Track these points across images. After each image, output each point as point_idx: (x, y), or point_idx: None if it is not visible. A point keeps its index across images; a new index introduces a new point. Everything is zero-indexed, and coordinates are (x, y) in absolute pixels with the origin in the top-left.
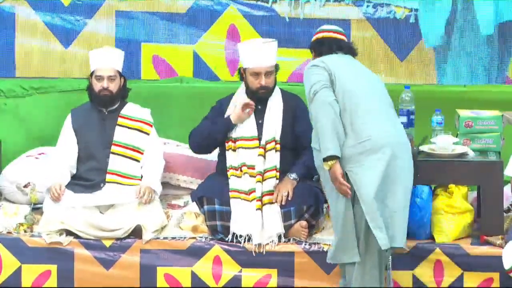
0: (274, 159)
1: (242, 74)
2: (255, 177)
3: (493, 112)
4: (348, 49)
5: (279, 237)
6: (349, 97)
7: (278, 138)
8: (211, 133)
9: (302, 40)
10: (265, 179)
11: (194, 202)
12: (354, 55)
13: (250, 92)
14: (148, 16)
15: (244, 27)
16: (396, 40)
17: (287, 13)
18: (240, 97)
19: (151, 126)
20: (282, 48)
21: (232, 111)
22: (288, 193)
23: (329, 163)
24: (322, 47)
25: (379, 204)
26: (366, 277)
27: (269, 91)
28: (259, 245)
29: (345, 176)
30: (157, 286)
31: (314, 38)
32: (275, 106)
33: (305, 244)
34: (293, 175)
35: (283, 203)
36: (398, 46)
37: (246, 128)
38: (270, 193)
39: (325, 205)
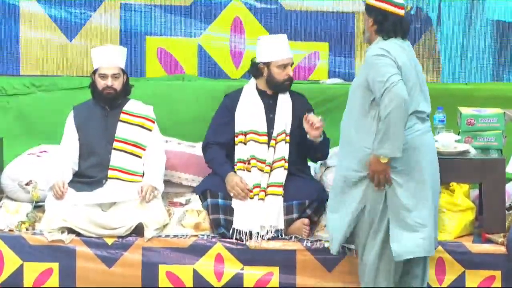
0: (283, 150)
1: (262, 68)
2: (262, 170)
3: (495, 110)
4: (408, 33)
5: (278, 232)
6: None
7: (288, 130)
8: (215, 169)
9: (307, 33)
10: (273, 169)
11: (196, 199)
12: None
13: (274, 85)
14: (153, 8)
15: (249, 20)
16: None
17: (292, 6)
18: (240, 185)
19: (154, 122)
20: None
21: (232, 186)
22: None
23: (387, 159)
24: (385, 23)
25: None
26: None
27: (292, 82)
28: (257, 235)
29: None
30: (159, 284)
31: (375, 4)
32: (285, 101)
33: (306, 242)
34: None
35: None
36: None
37: (257, 122)
38: (277, 185)
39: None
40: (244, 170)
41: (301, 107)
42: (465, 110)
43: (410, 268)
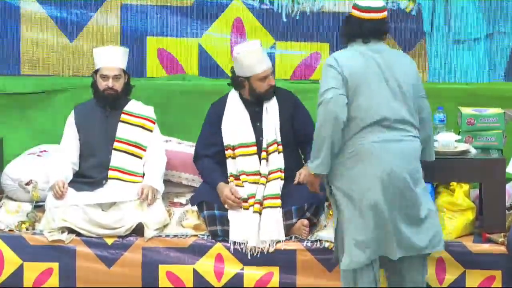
0: (278, 161)
1: (242, 81)
2: (256, 183)
3: (495, 110)
4: (372, 34)
5: (280, 242)
6: (355, 116)
7: (279, 139)
8: (206, 180)
9: (307, 34)
10: (269, 181)
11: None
12: (380, 38)
13: (257, 96)
14: (154, 9)
15: (250, 21)
16: (401, 32)
17: (292, 6)
18: (230, 197)
19: (154, 123)
20: (287, 41)
21: (223, 199)
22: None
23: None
24: (345, 27)
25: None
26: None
27: (275, 89)
28: (254, 248)
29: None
30: (159, 284)
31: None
32: (271, 106)
33: (307, 242)
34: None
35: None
36: (403, 38)
37: (244, 134)
38: (274, 196)
39: (326, 203)
40: (237, 185)
41: (287, 106)
42: (466, 110)
43: (402, 268)
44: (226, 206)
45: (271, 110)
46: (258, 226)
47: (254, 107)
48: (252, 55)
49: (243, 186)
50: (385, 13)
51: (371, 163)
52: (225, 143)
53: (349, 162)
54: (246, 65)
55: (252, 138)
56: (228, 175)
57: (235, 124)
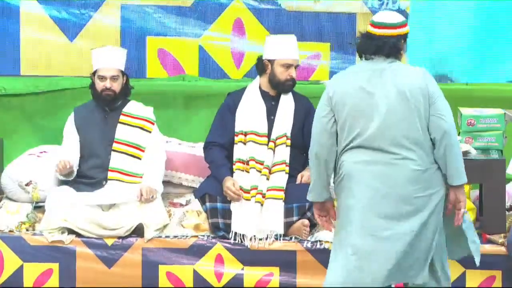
0: (283, 153)
1: (266, 65)
2: (261, 172)
3: (495, 110)
4: (374, 51)
5: (278, 236)
6: (340, 136)
7: (289, 134)
8: (213, 173)
9: (308, 33)
10: (273, 173)
11: (196, 200)
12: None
13: (275, 84)
14: (154, 9)
15: (250, 21)
16: None
17: (293, 6)
18: (231, 188)
19: (153, 124)
20: None
21: (225, 190)
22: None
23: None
24: (357, 44)
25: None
26: None
27: (294, 84)
28: (255, 238)
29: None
30: (159, 284)
31: None
32: (287, 103)
33: (307, 243)
34: None
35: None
36: None
37: (258, 123)
38: (278, 189)
39: None
40: (243, 170)
41: (303, 109)
42: (466, 111)
43: None
44: (228, 198)
45: (287, 107)
46: (259, 216)
47: (271, 100)
48: (285, 41)
49: (249, 172)
50: (396, 30)
51: (352, 186)
52: (237, 129)
53: (338, 183)
54: (275, 47)
55: (264, 129)
56: (235, 160)
57: (250, 113)
